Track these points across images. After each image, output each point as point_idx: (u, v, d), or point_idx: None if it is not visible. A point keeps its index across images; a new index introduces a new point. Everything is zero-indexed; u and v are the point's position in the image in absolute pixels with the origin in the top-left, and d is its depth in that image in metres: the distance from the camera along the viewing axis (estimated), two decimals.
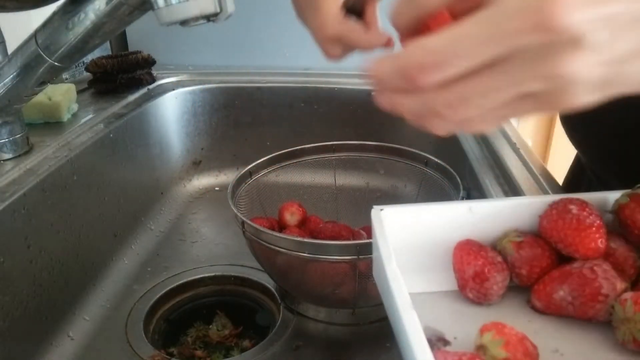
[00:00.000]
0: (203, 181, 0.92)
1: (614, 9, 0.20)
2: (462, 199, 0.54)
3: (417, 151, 0.64)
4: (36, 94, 0.57)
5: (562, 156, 1.66)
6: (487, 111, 0.23)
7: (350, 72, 0.93)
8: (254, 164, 0.63)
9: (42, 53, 0.50)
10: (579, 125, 0.56)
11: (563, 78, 0.21)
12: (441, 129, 0.25)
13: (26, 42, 0.51)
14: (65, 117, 0.71)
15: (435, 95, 0.23)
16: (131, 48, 1.02)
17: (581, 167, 0.62)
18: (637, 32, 0.20)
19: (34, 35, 0.50)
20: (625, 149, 0.50)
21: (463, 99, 0.23)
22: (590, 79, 0.21)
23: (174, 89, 0.88)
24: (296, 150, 0.67)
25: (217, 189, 0.91)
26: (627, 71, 0.22)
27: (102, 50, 0.93)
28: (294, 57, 1.00)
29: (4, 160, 0.59)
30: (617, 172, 0.53)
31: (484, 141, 0.68)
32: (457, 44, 0.21)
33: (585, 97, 0.22)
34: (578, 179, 0.63)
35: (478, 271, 0.34)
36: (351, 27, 0.45)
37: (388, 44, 0.47)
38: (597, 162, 0.56)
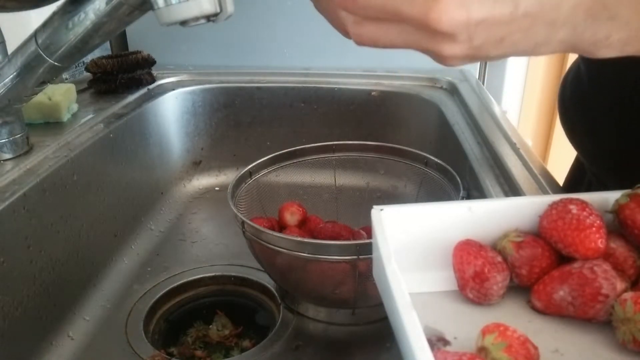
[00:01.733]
0: (203, 181, 0.92)
1: (478, 17, 0.27)
2: (462, 199, 0.54)
3: (417, 151, 0.64)
4: (36, 94, 0.57)
5: (562, 156, 1.66)
6: (376, 40, 0.31)
7: (350, 72, 0.93)
8: (254, 164, 0.63)
9: (42, 53, 0.50)
10: (578, 125, 0.56)
11: (438, 54, 0.30)
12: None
13: (26, 42, 0.51)
14: (65, 117, 0.71)
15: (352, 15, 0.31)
16: (131, 48, 1.02)
17: (581, 167, 0.62)
18: (491, 32, 0.28)
19: (34, 35, 0.50)
20: (624, 149, 0.50)
21: (362, 27, 0.31)
22: (458, 55, 0.30)
23: (174, 89, 0.88)
24: (296, 150, 0.67)
25: (217, 189, 0.91)
26: (484, 52, 0.30)
27: (102, 50, 0.93)
28: (293, 57, 1.00)
29: (4, 160, 0.59)
30: (616, 172, 0.53)
31: (484, 141, 0.68)
32: None
33: (454, 62, 0.31)
34: (578, 179, 0.63)
35: (478, 271, 0.34)
36: None
37: None
38: (596, 163, 0.57)
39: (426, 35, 0.29)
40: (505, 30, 0.28)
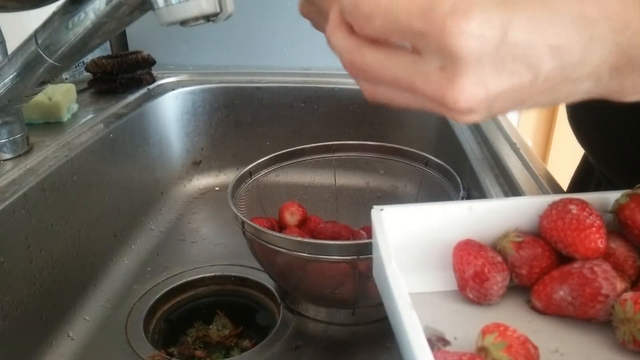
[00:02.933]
0: (203, 181, 0.92)
1: (496, 91, 0.26)
2: (462, 199, 0.54)
3: (417, 151, 0.64)
4: (36, 94, 0.57)
5: (562, 156, 1.67)
6: (391, 101, 0.29)
7: None
8: (254, 164, 0.63)
9: (42, 53, 0.50)
10: (586, 124, 0.56)
11: (456, 121, 0.29)
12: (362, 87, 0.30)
13: (26, 42, 0.51)
14: (65, 117, 0.71)
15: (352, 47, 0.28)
16: (131, 48, 1.02)
17: (589, 166, 0.62)
18: (510, 99, 0.27)
19: (34, 35, 0.50)
20: (635, 150, 0.50)
21: (365, 62, 0.28)
22: (476, 121, 0.28)
23: (174, 89, 0.88)
24: (296, 150, 0.67)
25: (217, 189, 0.91)
26: (504, 112, 0.29)
27: (102, 50, 0.93)
28: (294, 57, 1.00)
29: (4, 160, 0.59)
30: (626, 172, 0.52)
31: (484, 141, 0.68)
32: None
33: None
34: (586, 178, 0.63)
35: (478, 271, 0.34)
36: None
37: None
38: (605, 163, 0.56)
39: (444, 108, 0.27)
40: (525, 94, 0.27)
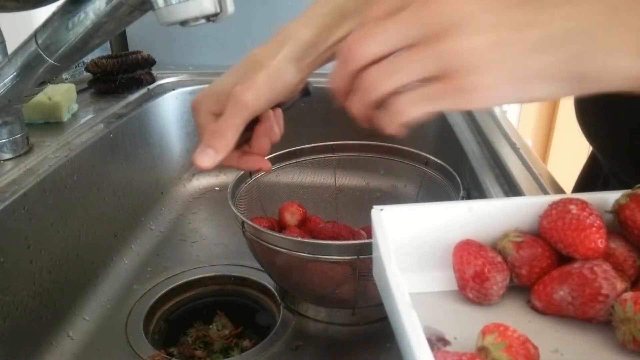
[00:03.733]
0: (203, 181, 0.92)
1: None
2: (462, 199, 0.54)
3: (417, 151, 0.64)
4: (36, 94, 0.57)
5: (562, 156, 1.67)
6: (404, 95, 0.30)
7: None
8: None
9: (42, 53, 0.50)
10: (598, 124, 0.55)
11: (455, 57, 0.27)
12: (383, 121, 0.32)
13: (26, 42, 0.51)
14: (65, 117, 0.71)
15: (364, 74, 0.31)
16: (131, 48, 1.02)
17: (597, 165, 0.62)
18: (516, 11, 0.26)
19: (34, 35, 0.50)
20: None
21: (382, 75, 0.30)
22: (480, 59, 0.26)
23: (174, 89, 0.88)
24: (296, 150, 0.67)
25: (217, 189, 0.91)
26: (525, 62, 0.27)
27: (102, 50, 0.93)
28: None
29: (4, 160, 0.59)
30: (635, 169, 0.52)
31: (484, 141, 0.68)
32: (373, 28, 0.29)
33: (488, 83, 0.27)
34: (593, 177, 0.63)
35: (478, 271, 0.34)
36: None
37: (259, 170, 0.48)
38: (615, 161, 0.56)
39: (431, 39, 0.27)
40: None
